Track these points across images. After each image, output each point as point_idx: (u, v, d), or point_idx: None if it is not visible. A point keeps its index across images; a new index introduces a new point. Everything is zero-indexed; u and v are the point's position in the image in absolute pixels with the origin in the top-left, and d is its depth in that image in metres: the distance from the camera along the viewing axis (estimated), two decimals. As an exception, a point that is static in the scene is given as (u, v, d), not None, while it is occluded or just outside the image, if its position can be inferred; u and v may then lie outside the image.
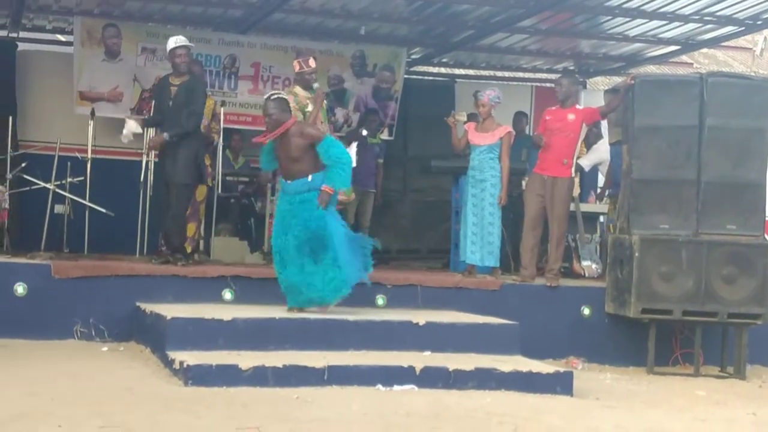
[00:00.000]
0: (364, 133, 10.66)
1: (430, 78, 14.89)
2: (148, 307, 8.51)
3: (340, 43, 12.97)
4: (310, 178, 8.44)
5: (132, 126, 9.71)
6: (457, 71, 15.09)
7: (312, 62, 9.73)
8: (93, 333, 8.79)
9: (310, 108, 9.57)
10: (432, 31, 12.86)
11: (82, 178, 10.96)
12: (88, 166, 10.96)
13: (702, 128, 9.35)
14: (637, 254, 9.21)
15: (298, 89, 9.71)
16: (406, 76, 13.46)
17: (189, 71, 9.61)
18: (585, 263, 10.71)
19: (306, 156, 8.47)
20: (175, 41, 9.51)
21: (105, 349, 8.55)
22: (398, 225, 12.72)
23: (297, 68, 9.71)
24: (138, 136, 10.27)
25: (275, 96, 8.65)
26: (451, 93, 13.94)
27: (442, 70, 15.11)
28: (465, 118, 10.78)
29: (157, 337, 8.04)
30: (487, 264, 10.02)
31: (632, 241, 9.29)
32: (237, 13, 12.00)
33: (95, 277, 8.95)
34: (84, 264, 9.20)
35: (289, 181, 8.56)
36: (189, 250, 10.03)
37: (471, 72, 15.05)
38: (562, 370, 7.95)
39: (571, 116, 9.93)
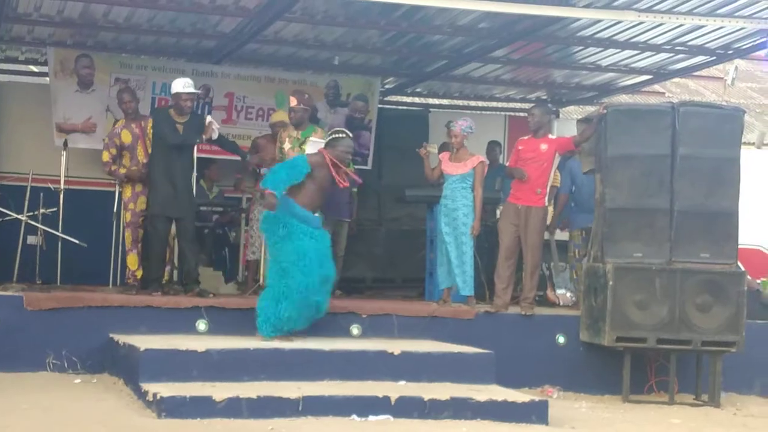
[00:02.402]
0: None
1: (404, 107, 14.93)
2: (122, 339, 8.46)
3: (314, 73, 13.01)
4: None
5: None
6: (430, 101, 15.15)
7: (292, 101, 10.04)
8: (66, 365, 8.73)
9: (286, 146, 9.97)
10: (405, 61, 12.92)
11: (54, 209, 10.91)
12: (61, 196, 10.92)
13: (674, 157, 9.41)
14: (611, 282, 9.24)
15: (291, 126, 10.14)
16: (380, 105, 13.50)
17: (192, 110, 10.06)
18: (559, 291, 10.73)
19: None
20: (183, 85, 9.78)
21: (78, 381, 8.49)
22: (373, 254, 12.70)
23: None
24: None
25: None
26: (425, 122, 13.99)
27: (416, 99, 15.17)
28: (436, 150, 10.80)
29: (130, 369, 7.99)
30: (461, 293, 10.01)
31: (606, 269, 9.31)
32: (210, 44, 12.01)
33: (68, 309, 8.90)
34: (57, 295, 9.14)
35: (316, 214, 8.86)
36: (166, 278, 10.04)
37: (445, 101, 15.12)
38: (537, 398, 7.95)
39: (543, 146, 9.97)
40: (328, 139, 9.10)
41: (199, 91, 10.31)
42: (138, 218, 10.04)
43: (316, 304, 8.70)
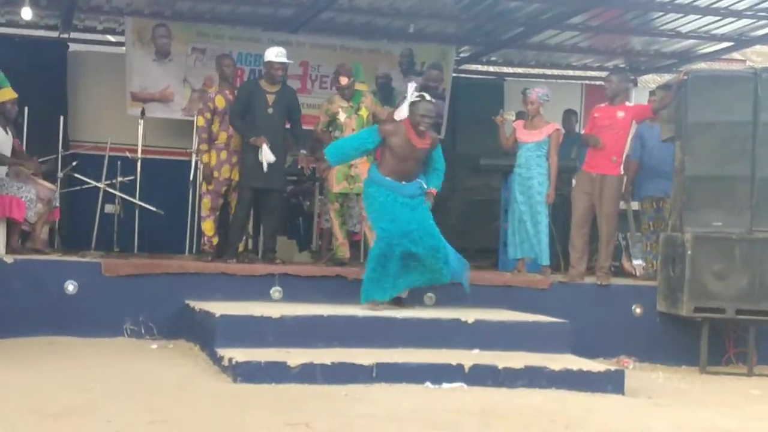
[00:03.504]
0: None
1: (479, 76, 14.82)
2: (198, 305, 8.54)
3: (389, 42, 12.96)
4: (424, 183, 8.78)
5: (268, 153, 9.75)
6: (506, 69, 15.01)
7: (342, 80, 10.07)
8: (143, 330, 8.84)
9: (341, 116, 10.06)
10: (481, 29, 12.80)
11: (132, 178, 11.05)
12: (138, 165, 11.05)
13: (756, 124, 9.21)
14: (689, 252, 9.10)
15: (336, 98, 10.20)
16: (454, 74, 13.42)
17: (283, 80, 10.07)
18: (636, 262, 10.59)
19: (422, 162, 8.75)
20: (275, 54, 9.87)
21: (154, 346, 8.59)
22: (447, 224, 12.44)
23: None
24: (179, 136, 10.35)
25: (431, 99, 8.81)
26: (500, 91, 13.88)
27: (491, 68, 15.04)
28: (513, 117, 10.70)
29: (206, 335, 8.06)
30: (538, 262, 9.94)
31: (685, 238, 9.17)
32: (287, 13, 12.02)
33: (145, 275, 8.99)
34: (134, 262, 9.24)
35: (403, 182, 8.68)
36: (241, 248, 10.11)
37: (520, 70, 14.98)
38: (613, 368, 7.87)
39: (620, 113, 9.83)
40: (409, 103, 8.96)
41: (291, 62, 10.31)
42: (221, 187, 10.05)
43: (406, 257, 8.48)
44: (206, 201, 10.09)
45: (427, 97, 8.72)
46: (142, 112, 11.43)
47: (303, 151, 10.13)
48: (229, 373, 7.12)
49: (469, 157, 12.40)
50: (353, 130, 9.94)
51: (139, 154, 11.14)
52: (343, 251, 10.04)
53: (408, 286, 8.70)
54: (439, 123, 12.79)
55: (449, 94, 13.09)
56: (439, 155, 8.86)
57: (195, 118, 10.40)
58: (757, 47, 15.84)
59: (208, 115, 10.07)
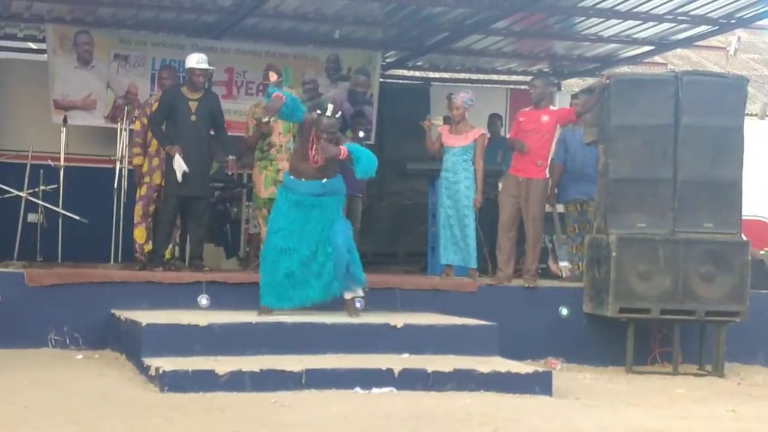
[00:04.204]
0: (361, 134, 10.64)
1: (406, 81, 14.86)
2: (123, 314, 8.44)
3: (315, 47, 12.93)
4: (324, 180, 8.54)
5: (180, 162, 9.64)
6: (431, 74, 15.09)
7: (272, 76, 9.84)
8: (67, 341, 8.71)
9: (266, 120, 9.79)
10: (406, 34, 12.85)
11: (55, 186, 10.89)
12: (61, 173, 10.90)
13: (678, 127, 9.35)
14: (614, 254, 9.20)
15: (263, 101, 10.04)
16: (381, 79, 13.43)
17: (205, 87, 10.03)
18: (562, 264, 10.69)
19: (330, 163, 8.57)
20: (196, 61, 9.83)
21: (80, 357, 8.48)
22: (375, 228, 12.63)
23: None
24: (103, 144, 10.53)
25: (338, 113, 8.67)
26: (426, 96, 13.93)
27: (417, 73, 15.10)
28: (441, 122, 10.74)
29: (132, 344, 7.97)
30: (465, 265, 9.98)
31: (609, 240, 9.27)
32: (210, 19, 11.94)
33: (69, 285, 8.87)
34: (58, 271, 9.12)
35: (302, 180, 8.57)
36: (168, 255, 10.02)
37: (446, 75, 15.05)
38: (541, 370, 7.94)
39: (545, 117, 9.92)
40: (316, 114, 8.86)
41: (212, 68, 10.29)
42: (153, 193, 10.02)
43: (291, 273, 8.47)
44: (138, 208, 10.07)
45: (330, 113, 8.56)
46: (65, 120, 11.28)
47: (231, 157, 10.06)
48: (157, 382, 7.05)
49: (396, 162, 12.40)
50: (280, 133, 9.95)
51: (62, 162, 10.98)
52: (271, 257, 9.98)
53: (304, 300, 8.56)
54: (368, 128, 12.85)
55: (376, 99, 13.10)
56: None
57: (132, 123, 10.47)
58: (678, 51, 16.15)
59: (145, 120, 10.11)
